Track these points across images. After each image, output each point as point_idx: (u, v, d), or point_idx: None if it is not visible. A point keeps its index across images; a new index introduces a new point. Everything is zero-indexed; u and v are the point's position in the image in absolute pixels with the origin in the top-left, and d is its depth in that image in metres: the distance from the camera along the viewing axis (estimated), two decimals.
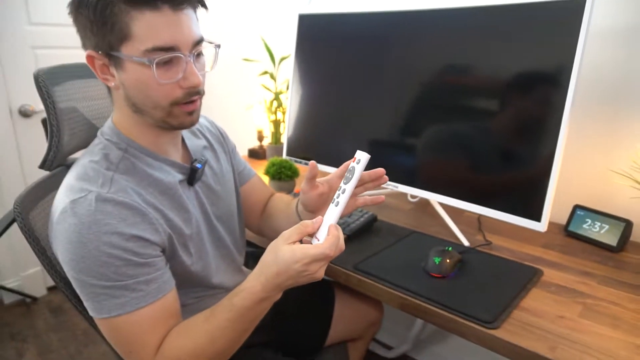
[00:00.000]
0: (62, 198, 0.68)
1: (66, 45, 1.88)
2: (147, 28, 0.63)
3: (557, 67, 0.92)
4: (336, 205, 0.69)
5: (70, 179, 0.70)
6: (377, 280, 0.92)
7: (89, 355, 1.79)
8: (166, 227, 0.72)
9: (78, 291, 0.67)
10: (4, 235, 1.35)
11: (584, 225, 1.12)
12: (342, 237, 0.66)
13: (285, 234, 0.66)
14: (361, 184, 0.79)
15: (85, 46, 0.68)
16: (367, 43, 1.24)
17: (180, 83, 0.68)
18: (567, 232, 1.14)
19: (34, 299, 2.15)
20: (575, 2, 0.89)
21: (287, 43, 1.43)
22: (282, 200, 1.01)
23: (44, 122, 0.81)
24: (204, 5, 0.70)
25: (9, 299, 2.12)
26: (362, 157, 0.69)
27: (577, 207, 1.15)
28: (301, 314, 1.10)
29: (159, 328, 0.68)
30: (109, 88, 0.73)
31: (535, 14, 0.95)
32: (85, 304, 0.68)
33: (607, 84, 1.12)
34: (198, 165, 0.81)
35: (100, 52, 0.66)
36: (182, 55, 0.66)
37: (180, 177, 0.78)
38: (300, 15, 1.37)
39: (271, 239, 0.97)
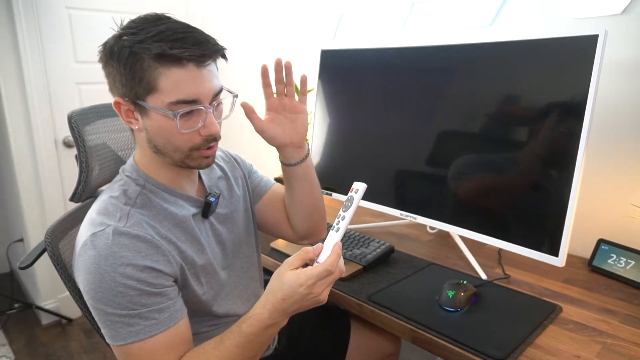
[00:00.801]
0: (84, 231, 0.73)
1: (105, 81, 2.02)
2: (172, 83, 0.68)
3: (572, 100, 0.92)
4: (336, 232, 0.72)
5: (92, 213, 0.75)
6: (389, 312, 0.92)
7: None
8: (178, 258, 0.76)
9: (96, 319, 0.71)
10: (45, 258, 1.43)
11: (609, 261, 1.08)
12: (342, 259, 0.70)
13: (288, 261, 0.70)
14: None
15: (112, 92, 0.74)
16: (385, 77, 1.27)
17: (200, 131, 0.73)
18: (591, 267, 1.11)
19: (69, 321, 2.24)
20: (588, 38, 0.90)
21: (311, 77, 1.48)
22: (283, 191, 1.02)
23: (76, 157, 0.88)
24: (224, 57, 0.75)
25: (46, 319, 2.22)
26: (359, 187, 0.74)
27: (601, 242, 1.12)
28: (316, 343, 1.11)
29: (171, 355, 0.72)
30: (131, 130, 0.79)
31: (551, 49, 0.96)
32: (103, 331, 0.71)
33: (628, 118, 1.10)
34: (212, 199, 0.85)
35: (126, 100, 0.72)
36: (202, 108, 0.72)
37: (194, 210, 0.82)
38: (322, 51, 1.43)
39: (305, 232, 1.00)
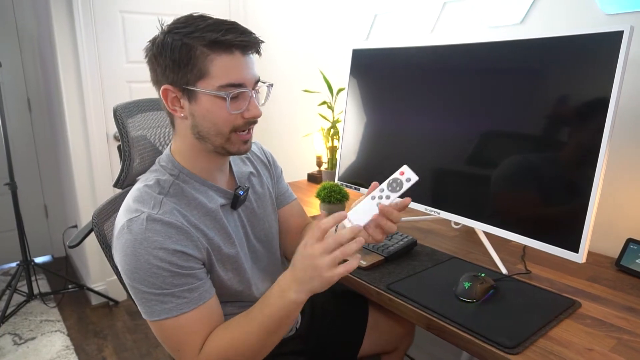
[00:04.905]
0: (121, 216, 0.80)
1: None
2: (222, 68, 0.77)
3: (596, 96, 0.92)
4: (372, 199, 0.77)
5: (129, 200, 0.82)
6: (406, 300, 0.96)
7: (157, 356, 1.96)
8: (205, 244, 0.83)
9: (133, 297, 0.79)
10: (95, 243, 1.57)
11: (637, 260, 1.06)
12: (346, 231, 0.73)
13: (312, 234, 0.74)
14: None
15: (160, 82, 0.81)
16: (415, 76, 1.30)
17: (243, 114, 0.82)
18: (619, 267, 1.09)
19: (116, 303, 2.41)
20: (613, 34, 0.90)
21: (344, 75, 1.54)
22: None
23: (119, 148, 0.98)
24: (259, 53, 0.84)
25: (96, 300, 2.40)
26: (411, 177, 0.78)
27: (630, 241, 1.10)
28: (335, 324, 1.16)
29: (202, 329, 0.79)
30: (172, 119, 0.86)
31: (576, 46, 0.96)
32: (139, 307, 0.78)
33: None
34: (240, 192, 0.92)
35: (176, 87, 0.80)
36: (248, 91, 0.80)
37: (223, 201, 0.89)
38: (353, 50, 1.48)
39: None
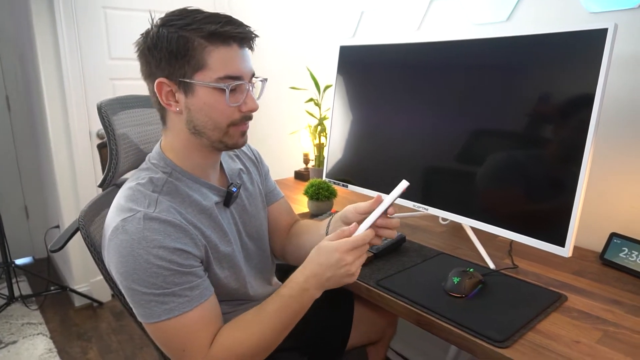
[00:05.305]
0: (113, 217, 0.77)
1: (136, 77, 2.13)
2: (220, 60, 0.76)
3: (581, 93, 0.94)
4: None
5: (120, 199, 0.79)
6: (396, 296, 0.96)
7: (143, 357, 1.94)
8: (204, 241, 0.81)
9: (129, 300, 0.76)
10: (78, 244, 1.54)
11: (621, 254, 1.08)
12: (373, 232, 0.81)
13: (328, 236, 0.78)
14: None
15: (154, 75, 0.79)
16: (402, 73, 1.30)
17: (240, 107, 0.81)
18: (603, 260, 1.11)
19: (100, 304, 2.37)
20: (598, 31, 0.91)
21: (331, 72, 1.54)
22: (308, 222, 1.10)
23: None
24: (252, 48, 0.84)
25: (79, 302, 2.36)
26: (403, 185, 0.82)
27: (613, 235, 1.12)
28: (324, 320, 1.16)
29: (205, 327, 0.77)
30: (164, 114, 0.84)
31: (562, 43, 0.98)
32: (136, 310, 0.76)
33: None
34: (234, 189, 0.91)
35: (171, 80, 0.78)
36: (245, 83, 0.80)
37: (216, 199, 0.88)
38: (341, 47, 1.48)
39: (294, 258, 1.07)
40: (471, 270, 0.98)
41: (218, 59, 0.76)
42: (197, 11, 0.78)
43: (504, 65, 1.08)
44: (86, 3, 2.04)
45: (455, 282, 0.95)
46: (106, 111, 0.92)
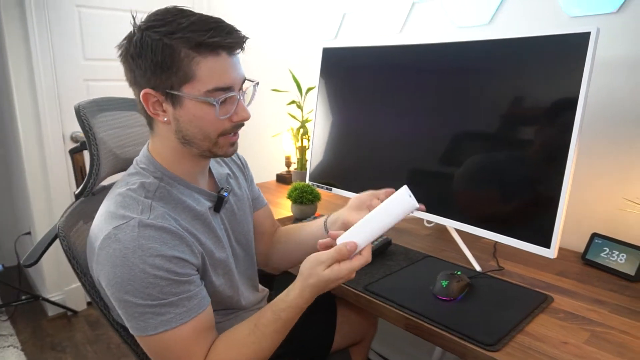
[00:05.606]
0: (103, 225, 0.72)
1: (112, 78, 2.08)
2: (209, 71, 0.72)
3: (565, 96, 0.95)
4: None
5: (110, 206, 0.75)
6: (384, 301, 0.95)
7: None
8: (200, 248, 0.78)
9: (122, 312, 0.71)
10: (52, 251, 1.47)
11: (602, 254, 1.10)
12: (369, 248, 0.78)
13: (322, 258, 0.74)
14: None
15: (140, 85, 0.74)
16: (385, 75, 1.30)
17: (232, 117, 0.78)
18: (585, 261, 1.13)
19: (75, 313, 2.28)
20: (581, 35, 0.92)
21: (314, 75, 1.52)
22: (290, 228, 1.10)
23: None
24: (243, 49, 0.79)
25: (52, 311, 2.27)
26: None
27: (595, 236, 1.14)
28: (309, 326, 1.15)
29: (202, 340, 0.74)
30: (151, 121, 0.80)
31: (545, 46, 0.99)
32: (129, 323, 0.71)
33: (622, 115, 1.12)
34: (225, 193, 0.88)
35: (158, 91, 0.74)
36: (236, 94, 0.76)
37: (208, 204, 0.85)
38: (324, 49, 1.46)
39: (279, 265, 1.08)
40: (459, 273, 0.98)
41: (206, 70, 0.72)
42: (182, 14, 0.72)
43: (488, 68, 1.09)
44: (59, 1, 1.97)
45: (444, 286, 0.94)
46: (85, 114, 0.87)
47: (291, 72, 1.80)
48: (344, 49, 1.42)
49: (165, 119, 0.76)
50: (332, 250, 0.74)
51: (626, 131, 1.12)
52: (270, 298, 1.06)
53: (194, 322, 0.72)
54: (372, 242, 0.78)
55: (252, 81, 0.84)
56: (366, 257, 0.75)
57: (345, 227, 0.89)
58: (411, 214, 0.84)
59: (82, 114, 0.87)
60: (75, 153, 1.51)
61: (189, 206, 0.80)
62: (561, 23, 1.19)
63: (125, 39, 0.74)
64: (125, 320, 0.72)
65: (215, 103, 0.73)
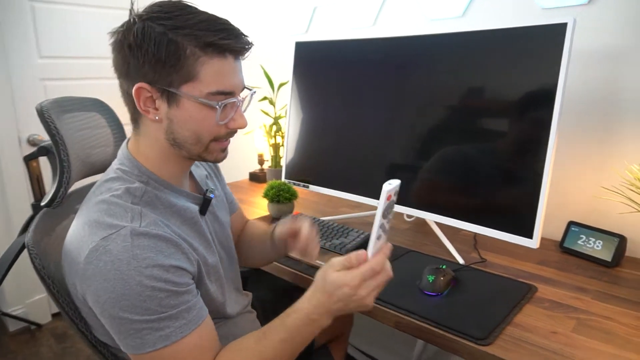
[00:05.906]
0: (88, 237, 0.66)
1: (72, 77, 1.96)
2: (213, 73, 0.68)
3: (543, 88, 0.95)
4: (378, 239, 0.69)
5: (93, 215, 0.68)
6: None
7: None
8: (196, 255, 0.74)
9: (115, 330, 0.66)
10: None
11: (579, 242, 1.12)
12: (389, 264, 0.70)
13: (334, 263, 0.69)
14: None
15: (133, 78, 0.69)
16: (359, 68, 1.28)
17: (228, 124, 0.74)
18: (563, 249, 1.14)
19: (39, 326, 2.16)
20: (557, 26, 0.93)
21: (285, 70, 1.49)
22: (256, 226, 1.08)
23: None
24: (244, 58, 0.76)
25: (13, 326, 2.13)
26: (392, 191, 0.68)
27: (571, 224, 1.16)
28: None
29: (205, 351, 0.69)
30: (138, 118, 0.74)
31: (521, 38, 0.99)
32: (123, 342, 0.66)
33: (597, 105, 1.14)
34: (211, 195, 0.84)
35: (154, 87, 0.68)
36: (237, 100, 0.73)
37: (196, 207, 0.80)
38: (296, 43, 1.43)
39: (247, 258, 1.06)
40: (444, 267, 0.97)
41: (211, 72, 0.68)
42: (189, 10, 0.68)
43: (462, 61, 1.08)
44: None
45: (430, 281, 0.93)
46: (51, 115, 0.79)
47: (263, 68, 1.76)
48: (317, 42, 1.39)
49: (157, 117, 0.71)
50: (343, 257, 0.70)
51: (601, 120, 1.14)
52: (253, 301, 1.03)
53: (195, 334, 0.68)
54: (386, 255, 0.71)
55: (250, 89, 0.81)
56: (372, 263, 0.67)
57: (291, 232, 0.91)
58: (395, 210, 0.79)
59: (47, 115, 0.79)
60: (30, 160, 1.39)
61: (178, 210, 0.76)
62: (534, 15, 1.20)
63: (122, 26, 0.68)
64: (118, 339, 0.66)
65: (217, 107, 0.70)
